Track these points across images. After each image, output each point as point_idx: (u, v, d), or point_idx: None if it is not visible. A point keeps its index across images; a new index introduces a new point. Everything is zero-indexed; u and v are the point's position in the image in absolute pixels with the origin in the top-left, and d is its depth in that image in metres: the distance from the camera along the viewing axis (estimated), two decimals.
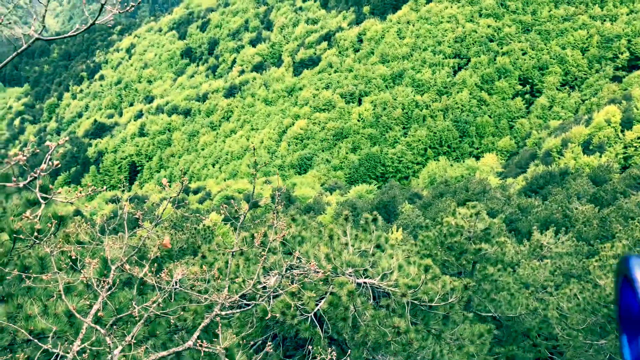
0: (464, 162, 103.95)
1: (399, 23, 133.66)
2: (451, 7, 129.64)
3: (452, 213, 17.45)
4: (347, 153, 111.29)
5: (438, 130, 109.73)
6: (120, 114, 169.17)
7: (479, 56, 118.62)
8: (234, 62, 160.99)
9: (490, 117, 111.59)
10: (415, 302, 9.94)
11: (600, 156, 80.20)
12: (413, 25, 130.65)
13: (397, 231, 40.56)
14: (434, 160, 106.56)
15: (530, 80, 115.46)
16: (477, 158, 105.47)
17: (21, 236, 5.61)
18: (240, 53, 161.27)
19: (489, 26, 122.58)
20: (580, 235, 33.74)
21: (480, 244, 16.25)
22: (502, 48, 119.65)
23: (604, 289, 15.36)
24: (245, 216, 6.04)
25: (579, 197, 48.48)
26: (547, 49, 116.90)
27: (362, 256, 10.68)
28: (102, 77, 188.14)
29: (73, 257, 5.71)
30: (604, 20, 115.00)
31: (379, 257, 10.62)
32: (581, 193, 49.78)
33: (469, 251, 16.31)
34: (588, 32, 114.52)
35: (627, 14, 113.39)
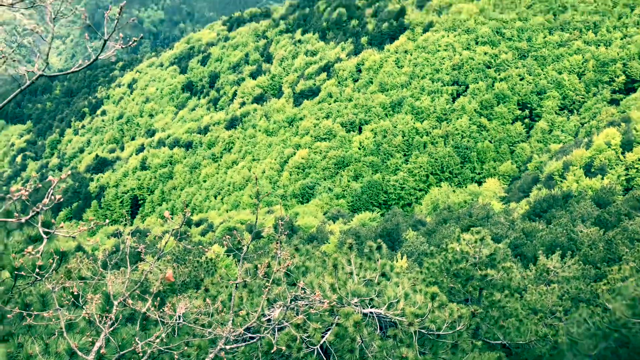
0: (466, 187, 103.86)
1: (396, 52, 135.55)
2: (448, 35, 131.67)
3: (456, 239, 17.34)
4: (349, 181, 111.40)
5: (439, 157, 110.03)
6: (122, 149, 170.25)
7: (477, 82, 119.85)
8: (234, 94, 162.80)
9: (490, 142, 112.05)
10: (423, 331, 9.77)
11: (602, 178, 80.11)
12: (411, 54, 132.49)
13: (402, 259, 40.28)
14: (436, 186, 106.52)
15: (529, 105, 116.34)
16: (479, 183, 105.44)
17: (22, 273, 5.54)
18: (241, 85, 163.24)
19: (485, 53, 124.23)
20: (587, 259, 33.42)
21: (486, 270, 16.10)
22: (499, 74, 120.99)
23: (613, 313, 15.09)
24: (247, 247, 5.97)
25: (583, 220, 48.21)
26: (544, 74, 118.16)
27: (367, 285, 10.56)
28: (104, 113, 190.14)
29: (75, 293, 5.60)
30: (599, 45, 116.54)
31: (384, 285, 10.48)
32: (585, 216, 49.52)
33: (475, 277, 16.15)
34: (583, 57, 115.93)
35: (621, 38, 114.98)
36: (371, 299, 10.13)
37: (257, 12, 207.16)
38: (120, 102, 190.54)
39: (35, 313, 5.66)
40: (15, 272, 5.65)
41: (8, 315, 5.85)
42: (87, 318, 5.52)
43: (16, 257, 5.62)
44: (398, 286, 10.43)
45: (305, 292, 9.72)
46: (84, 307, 5.22)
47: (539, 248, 38.27)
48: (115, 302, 5.06)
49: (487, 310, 15.46)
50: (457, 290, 16.30)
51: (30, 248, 4.69)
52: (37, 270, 4.63)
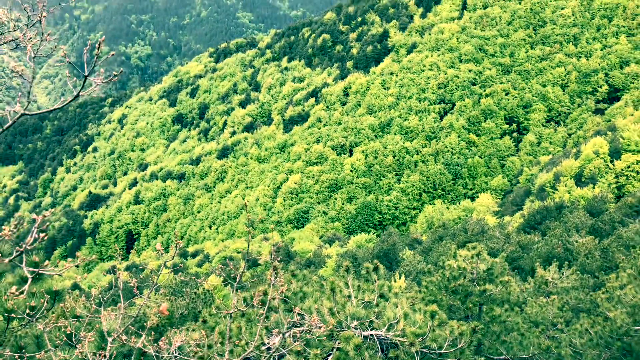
0: (459, 204, 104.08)
1: (382, 75, 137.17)
2: (432, 55, 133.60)
3: (453, 256, 17.37)
4: (343, 204, 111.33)
5: (431, 175, 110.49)
6: (115, 184, 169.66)
7: (464, 100, 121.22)
8: (225, 124, 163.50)
9: (480, 157, 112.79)
10: (425, 350, 9.69)
11: (594, 187, 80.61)
12: (396, 75, 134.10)
13: (399, 279, 40.06)
14: (430, 204, 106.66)
15: (515, 119, 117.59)
16: (472, 199, 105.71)
17: (13, 315, 5.44)
18: (231, 115, 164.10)
19: (470, 70, 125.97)
20: (584, 268, 33.46)
21: (485, 285, 16.10)
22: (485, 90, 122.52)
23: (614, 322, 15.05)
24: (242, 276, 5.94)
25: (577, 229, 48.34)
26: (529, 88, 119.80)
27: (366, 307, 10.52)
28: (95, 149, 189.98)
29: (68, 332, 5.50)
30: (580, 57, 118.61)
31: (383, 307, 10.43)
32: (579, 225, 49.67)
33: (474, 293, 16.12)
34: (566, 69, 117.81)
35: (601, 49, 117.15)
36: (371, 321, 10.06)
37: (243, 42, 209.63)
38: (111, 137, 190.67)
39: (28, 355, 5.52)
40: (8, 314, 5.54)
41: (1, 359, 5.74)
42: (81, 357, 5.39)
43: (8, 298, 5.49)
44: (397, 306, 10.39)
45: (303, 318, 9.64)
46: (77, 346, 5.11)
47: (536, 260, 38.26)
48: (110, 339, 4.99)
49: (488, 325, 15.37)
50: (456, 307, 16.25)
51: (13, 288, 4.58)
52: (27, 311, 4.52)
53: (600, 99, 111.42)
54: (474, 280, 16.31)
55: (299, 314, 9.55)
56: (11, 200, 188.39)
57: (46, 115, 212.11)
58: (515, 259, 42.69)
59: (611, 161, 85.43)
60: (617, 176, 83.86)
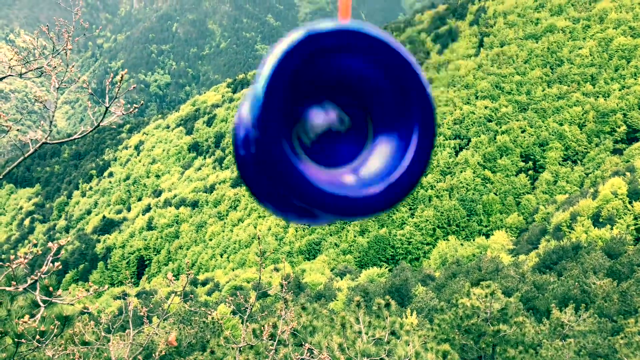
0: (474, 240, 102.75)
1: None
2: (447, 91, 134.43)
3: (466, 294, 17.26)
4: (355, 236, 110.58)
5: (445, 210, 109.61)
6: (129, 209, 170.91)
7: (479, 136, 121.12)
8: None
9: (496, 194, 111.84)
10: None
11: (612, 228, 79.18)
12: None
13: (411, 315, 39.29)
14: (444, 239, 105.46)
15: (532, 157, 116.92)
16: (487, 236, 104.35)
17: (23, 340, 5.29)
18: None
19: (486, 107, 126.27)
20: (602, 312, 32.58)
21: (499, 325, 15.78)
22: (500, 127, 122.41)
23: None
24: (251, 308, 5.83)
25: (595, 271, 47.32)
26: (545, 126, 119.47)
27: (377, 344, 10.32)
28: (111, 174, 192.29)
29: None
30: (597, 97, 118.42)
31: (394, 344, 10.20)
32: (597, 267, 48.65)
33: (487, 333, 15.79)
34: (583, 109, 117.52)
35: (620, 89, 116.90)
36: (381, 359, 9.82)
37: None
38: (127, 163, 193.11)
39: None
40: (17, 339, 5.43)
41: None
42: None
43: (18, 323, 5.36)
44: (408, 345, 10.15)
45: (312, 353, 9.41)
46: None
47: (552, 301, 37.41)
48: None
49: None
50: (469, 347, 15.91)
51: (27, 317, 4.60)
52: (37, 337, 4.47)
53: (619, 139, 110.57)
54: (487, 319, 16.00)
55: (308, 349, 9.32)
56: (27, 222, 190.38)
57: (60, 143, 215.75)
58: (530, 299, 41.79)
59: (630, 202, 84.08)
60: (635, 217, 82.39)
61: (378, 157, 0.88)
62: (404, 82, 0.85)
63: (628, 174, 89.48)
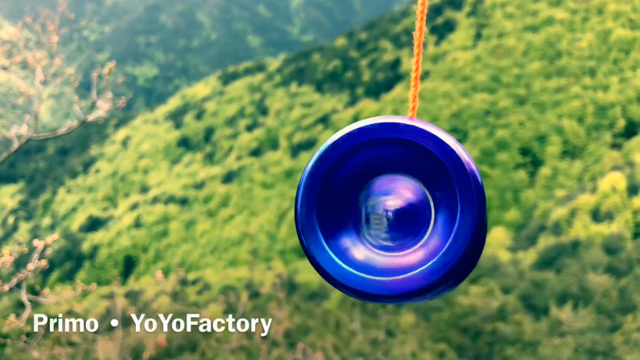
0: None
1: (393, 102, 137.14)
2: (444, 84, 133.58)
3: (464, 292, 17.97)
4: None
5: None
6: (116, 206, 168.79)
7: (477, 130, 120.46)
8: (230, 148, 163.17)
9: (494, 190, 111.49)
10: None
11: (611, 224, 78.76)
12: (407, 103, 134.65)
13: (408, 314, 38.46)
14: None
15: (530, 152, 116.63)
16: None
17: (8, 341, 5.88)
18: (237, 139, 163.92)
19: (483, 100, 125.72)
20: (600, 308, 33.04)
21: (497, 323, 16.96)
22: (499, 120, 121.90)
23: None
24: (243, 308, 6.48)
25: (593, 267, 47.67)
26: (544, 120, 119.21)
27: (372, 344, 10.72)
28: (97, 170, 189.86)
29: None
30: (596, 90, 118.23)
31: (390, 344, 10.69)
32: (596, 263, 48.95)
33: (485, 332, 16.66)
34: (582, 102, 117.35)
35: (619, 83, 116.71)
36: (377, 359, 10.32)
37: (252, 66, 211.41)
38: (114, 159, 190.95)
39: None
40: (3, 340, 6.00)
41: None
42: None
43: (3, 323, 5.89)
44: (404, 344, 10.86)
45: (306, 354, 9.68)
46: None
47: (550, 298, 38.07)
48: None
49: None
50: (467, 346, 16.66)
51: (12, 317, 4.83)
52: (23, 337, 4.77)
53: (618, 133, 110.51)
54: (485, 318, 16.96)
55: (303, 350, 9.50)
56: (10, 219, 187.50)
57: (45, 138, 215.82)
58: (529, 297, 42.36)
59: (629, 197, 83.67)
60: (634, 213, 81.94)
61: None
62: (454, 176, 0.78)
63: (627, 168, 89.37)
